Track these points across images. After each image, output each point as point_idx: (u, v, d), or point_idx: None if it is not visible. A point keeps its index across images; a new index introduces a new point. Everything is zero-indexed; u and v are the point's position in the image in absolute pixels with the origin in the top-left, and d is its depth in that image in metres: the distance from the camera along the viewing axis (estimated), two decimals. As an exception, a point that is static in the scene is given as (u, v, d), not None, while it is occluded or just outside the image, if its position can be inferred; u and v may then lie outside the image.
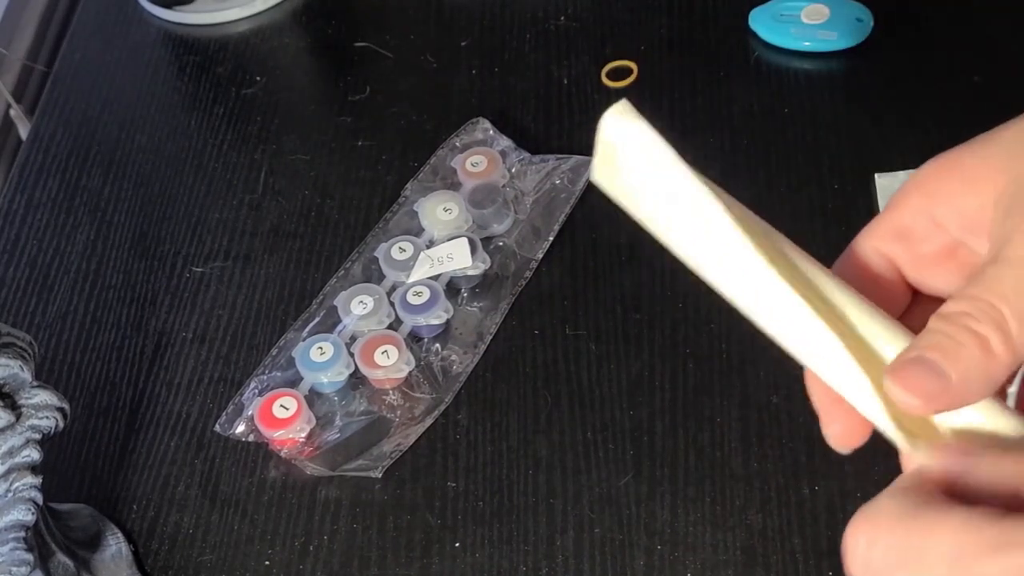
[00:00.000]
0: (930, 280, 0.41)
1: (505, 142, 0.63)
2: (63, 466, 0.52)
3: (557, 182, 0.61)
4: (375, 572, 0.50)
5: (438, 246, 0.58)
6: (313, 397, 0.54)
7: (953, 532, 0.29)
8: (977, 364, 0.35)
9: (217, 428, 0.54)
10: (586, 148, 0.62)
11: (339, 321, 0.56)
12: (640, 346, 0.55)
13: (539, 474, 0.52)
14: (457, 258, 0.57)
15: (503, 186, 0.60)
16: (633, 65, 0.66)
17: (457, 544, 0.50)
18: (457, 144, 0.63)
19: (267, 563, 0.50)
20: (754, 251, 0.33)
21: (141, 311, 0.60)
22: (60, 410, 0.45)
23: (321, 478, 0.52)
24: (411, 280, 0.57)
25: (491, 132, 0.63)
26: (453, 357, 0.55)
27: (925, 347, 0.35)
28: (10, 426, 0.44)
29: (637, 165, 0.33)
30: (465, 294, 0.57)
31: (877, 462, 0.47)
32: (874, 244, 0.40)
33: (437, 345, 0.56)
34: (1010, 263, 0.36)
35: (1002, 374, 0.35)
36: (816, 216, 0.58)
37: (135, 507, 0.52)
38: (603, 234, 0.59)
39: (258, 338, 0.57)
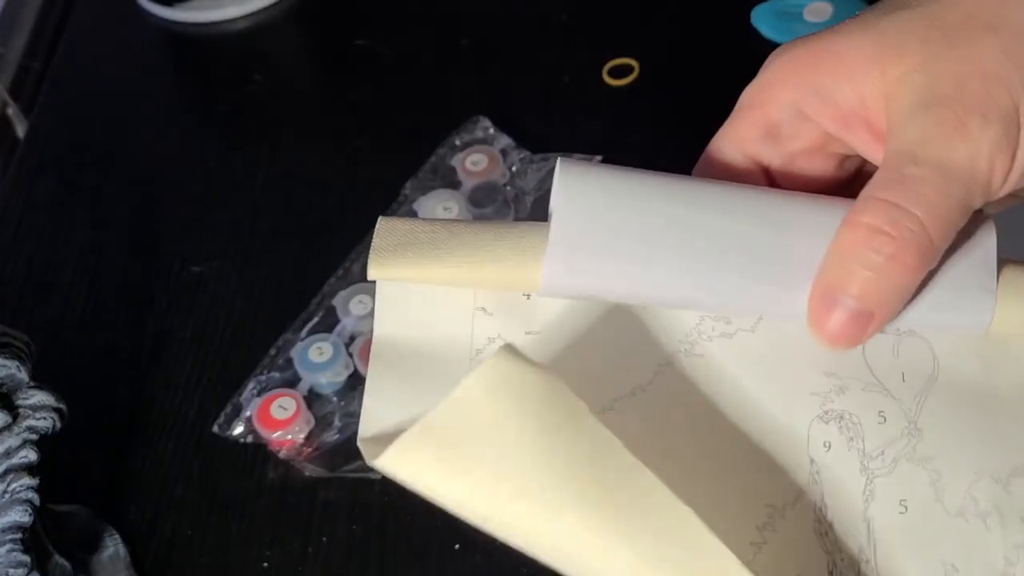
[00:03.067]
0: (800, 177, 0.38)
1: (505, 140, 0.62)
2: (60, 467, 0.51)
3: (558, 181, 0.60)
4: (374, 574, 0.49)
5: (438, 245, 0.58)
6: (312, 398, 0.54)
7: None
8: (897, 288, 0.33)
9: (215, 429, 0.54)
10: (587, 146, 0.62)
11: (338, 321, 0.56)
12: (641, 346, 0.55)
13: (540, 475, 0.51)
14: (457, 257, 0.57)
15: (504, 185, 0.60)
16: (634, 63, 0.66)
17: (457, 546, 0.50)
18: (457, 143, 0.63)
19: (265, 565, 0.50)
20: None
21: (139, 311, 0.59)
22: (57, 411, 0.45)
23: (320, 479, 0.52)
24: (411, 280, 0.57)
25: (491, 130, 0.63)
26: (453, 357, 0.55)
27: (840, 285, 0.33)
28: (7, 427, 0.43)
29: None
30: (465, 294, 0.57)
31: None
32: (740, 147, 0.38)
33: (437, 345, 0.55)
34: (933, 166, 0.33)
35: (918, 282, 0.34)
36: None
37: (132, 508, 0.52)
38: (604, 233, 0.59)
39: (256, 338, 0.57)
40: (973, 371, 0.36)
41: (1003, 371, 0.37)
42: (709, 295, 0.35)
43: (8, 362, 0.44)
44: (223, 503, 0.52)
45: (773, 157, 0.38)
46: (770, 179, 0.39)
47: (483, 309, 0.36)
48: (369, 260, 0.36)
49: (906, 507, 0.34)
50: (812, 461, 0.35)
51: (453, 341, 0.36)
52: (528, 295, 0.36)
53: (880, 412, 0.36)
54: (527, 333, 0.36)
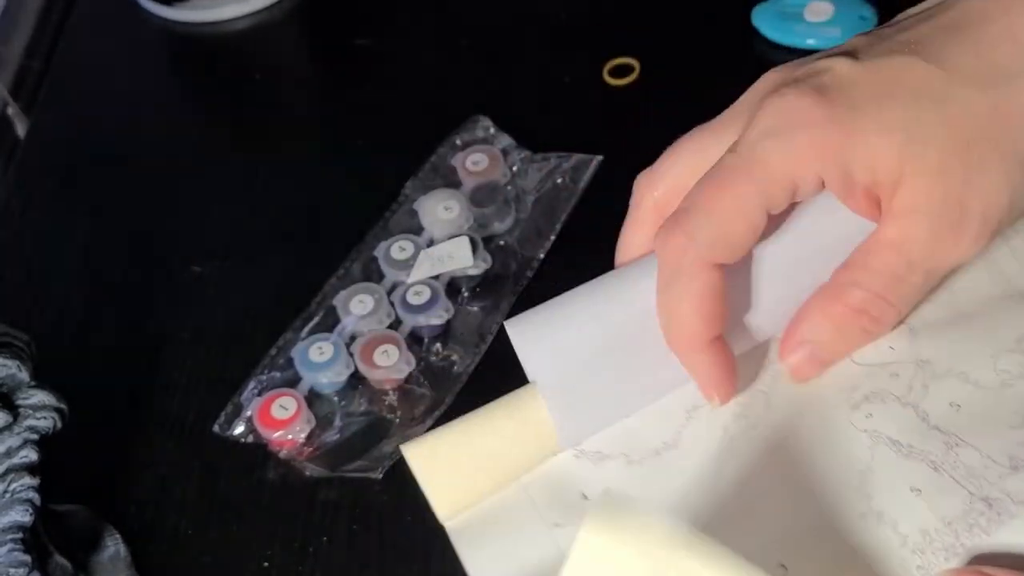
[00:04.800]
0: None
1: (506, 140, 0.62)
2: (60, 467, 0.51)
3: (559, 181, 0.60)
4: (375, 574, 0.49)
5: (438, 245, 0.58)
6: (312, 397, 0.54)
7: None
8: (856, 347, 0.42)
9: (215, 429, 0.54)
10: (588, 146, 0.62)
11: (338, 321, 0.56)
12: (642, 346, 0.55)
13: (540, 475, 0.51)
14: (458, 257, 0.57)
15: (504, 185, 0.60)
16: (635, 62, 0.66)
17: (458, 546, 0.50)
18: (457, 142, 0.63)
19: (266, 564, 0.50)
20: None
21: (139, 311, 0.59)
22: (58, 410, 0.45)
23: (321, 479, 0.52)
24: (411, 280, 0.57)
25: (492, 130, 0.63)
26: (454, 357, 0.55)
27: (815, 339, 0.42)
28: (8, 427, 0.43)
29: None
30: (466, 294, 0.57)
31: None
32: (763, 191, 0.40)
33: (438, 345, 0.55)
34: (924, 272, 0.40)
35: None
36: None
37: (133, 508, 0.52)
38: (605, 233, 0.59)
39: (257, 338, 0.57)
40: (936, 311, 0.43)
41: (957, 300, 0.43)
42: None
43: (8, 362, 0.44)
44: (223, 503, 0.52)
45: (774, 206, 0.41)
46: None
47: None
48: (432, 502, 0.42)
49: (958, 406, 0.40)
50: (865, 430, 0.40)
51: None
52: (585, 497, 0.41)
53: (890, 374, 0.41)
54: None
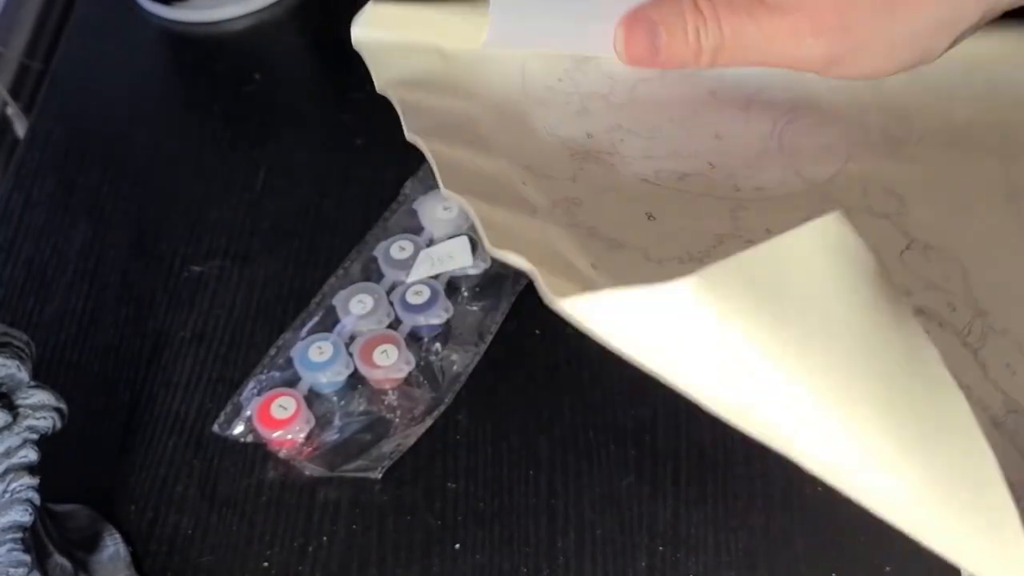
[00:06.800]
0: None
1: (505, 140, 0.62)
2: (60, 467, 0.51)
3: (558, 181, 0.60)
4: (374, 573, 0.49)
5: (438, 245, 0.58)
6: (312, 397, 0.54)
7: None
8: (683, 58, 0.42)
9: (215, 428, 0.54)
10: (587, 146, 0.62)
11: (338, 321, 0.56)
12: (641, 346, 0.55)
13: (540, 475, 0.51)
14: (457, 257, 0.57)
15: (503, 185, 0.60)
16: (634, 63, 0.66)
17: (457, 545, 0.50)
18: (457, 142, 0.63)
19: (266, 564, 0.50)
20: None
21: (139, 310, 0.59)
22: (58, 410, 0.45)
23: (320, 479, 0.52)
24: (411, 279, 0.57)
25: (491, 130, 0.63)
26: (453, 357, 0.55)
27: (661, 20, 0.42)
28: (7, 426, 0.43)
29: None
30: (466, 293, 0.57)
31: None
32: None
33: (437, 345, 0.55)
34: (761, 43, 0.40)
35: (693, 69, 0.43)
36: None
37: (133, 508, 0.52)
38: (604, 233, 0.59)
39: (256, 338, 0.57)
40: (994, 272, 0.40)
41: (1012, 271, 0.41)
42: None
43: (8, 362, 0.43)
44: (223, 502, 0.52)
45: None
46: None
47: None
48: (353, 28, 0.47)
49: (1014, 371, 0.37)
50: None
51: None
52: None
53: (947, 303, 0.39)
54: None
